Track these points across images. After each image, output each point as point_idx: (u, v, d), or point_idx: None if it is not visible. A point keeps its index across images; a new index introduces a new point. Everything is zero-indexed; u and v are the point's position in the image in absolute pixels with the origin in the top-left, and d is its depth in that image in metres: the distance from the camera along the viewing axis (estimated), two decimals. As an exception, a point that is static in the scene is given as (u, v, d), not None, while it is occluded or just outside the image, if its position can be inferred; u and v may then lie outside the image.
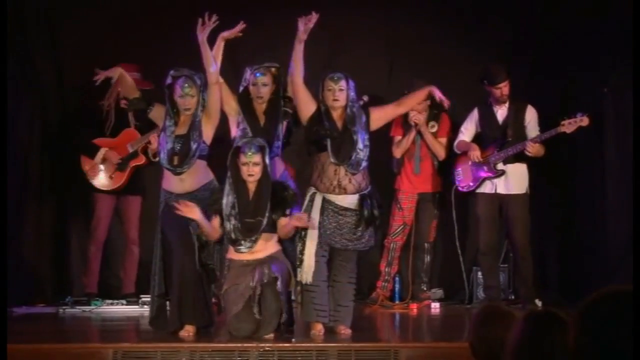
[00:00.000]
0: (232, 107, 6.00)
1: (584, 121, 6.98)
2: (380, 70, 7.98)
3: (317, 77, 5.97)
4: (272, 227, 5.64)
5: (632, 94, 6.65)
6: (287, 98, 6.01)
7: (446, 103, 6.16)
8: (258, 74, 5.95)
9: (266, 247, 5.63)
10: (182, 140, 5.85)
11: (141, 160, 7.41)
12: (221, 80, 5.94)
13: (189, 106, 5.87)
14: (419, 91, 6.13)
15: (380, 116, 6.00)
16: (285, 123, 6.03)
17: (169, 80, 5.91)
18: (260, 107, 5.98)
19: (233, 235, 5.60)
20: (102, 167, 7.43)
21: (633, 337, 2.04)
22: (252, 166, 5.58)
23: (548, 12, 7.81)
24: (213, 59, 5.83)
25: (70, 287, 7.70)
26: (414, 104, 6.04)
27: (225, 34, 5.90)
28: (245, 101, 5.99)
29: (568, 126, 7.00)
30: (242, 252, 5.60)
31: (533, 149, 7.15)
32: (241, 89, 6.06)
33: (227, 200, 5.62)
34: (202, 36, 5.82)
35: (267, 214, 5.59)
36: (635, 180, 6.51)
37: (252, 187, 5.64)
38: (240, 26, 5.92)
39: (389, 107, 6.07)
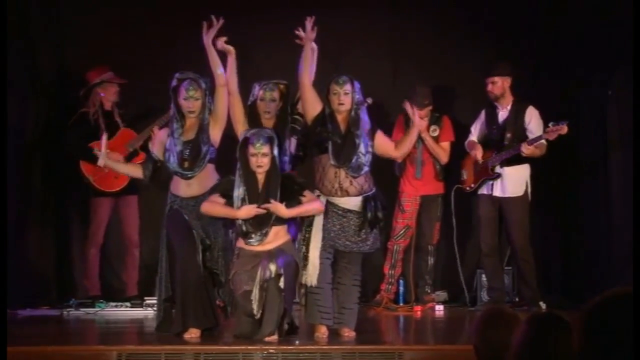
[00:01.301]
0: (242, 123, 5.95)
1: (563, 129, 6.92)
2: (385, 73, 7.98)
3: (322, 79, 5.97)
4: (282, 220, 5.65)
5: (633, 96, 6.64)
6: (298, 114, 6.00)
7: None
8: (267, 90, 5.96)
9: (276, 238, 5.63)
10: (190, 144, 5.86)
11: (141, 158, 7.39)
12: (236, 92, 5.90)
13: (193, 109, 5.87)
14: (410, 133, 6.05)
15: (381, 144, 5.93)
16: (295, 139, 6.02)
17: (174, 83, 5.92)
18: (267, 122, 5.97)
19: (244, 228, 5.61)
20: (106, 170, 7.41)
21: (636, 340, 2.04)
22: (260, 157, 5.58)
23: (551, 14, 7.81)
24: (220, 62, 5.83)
25: (75, 289, 7.70)
26: (410, 146, 6.10)
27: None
28: (252, 116, 5.98)
29: (550, 133, 6.98)
30: (253, 245, 5.62)
31: (527, 151, 7.15)
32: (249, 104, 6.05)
33: (238, 192, 5.63)
34: (208, 39, 5.82)
35: None
36: (637, 182, 6.50)
37: (261, 177, 5.64)
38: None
39: (391, 145, 6.00)
